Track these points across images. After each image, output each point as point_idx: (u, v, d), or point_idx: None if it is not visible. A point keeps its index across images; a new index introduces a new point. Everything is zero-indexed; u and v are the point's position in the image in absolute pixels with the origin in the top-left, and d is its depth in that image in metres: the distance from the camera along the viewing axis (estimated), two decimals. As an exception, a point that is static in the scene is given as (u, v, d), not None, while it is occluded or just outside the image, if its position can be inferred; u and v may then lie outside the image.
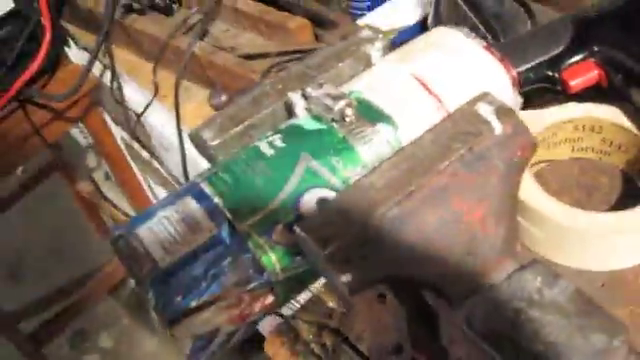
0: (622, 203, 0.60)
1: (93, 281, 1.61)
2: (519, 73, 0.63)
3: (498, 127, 0.40)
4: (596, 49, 0.61)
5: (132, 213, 1.53)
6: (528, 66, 0.63)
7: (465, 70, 0.44)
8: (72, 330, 1.74)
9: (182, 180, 1.05)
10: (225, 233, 0.38)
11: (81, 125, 1.42)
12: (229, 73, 0.94)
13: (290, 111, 0.44)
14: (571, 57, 0.62)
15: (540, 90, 0.64)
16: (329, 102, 0.41)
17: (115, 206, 1.59)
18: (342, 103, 0.41)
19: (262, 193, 0.39)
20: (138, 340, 1.71)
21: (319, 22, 0.97)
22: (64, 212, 1.78)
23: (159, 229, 0.38)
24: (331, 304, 0.57)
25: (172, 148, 1.11)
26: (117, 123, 1.33)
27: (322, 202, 0.39)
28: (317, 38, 0.96)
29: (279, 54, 0.95)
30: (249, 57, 0.96)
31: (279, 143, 0.41)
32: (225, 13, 1.04)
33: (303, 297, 0.65)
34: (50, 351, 1.60)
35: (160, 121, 1.10)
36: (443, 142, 0.40)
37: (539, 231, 0.56)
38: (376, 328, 0.56)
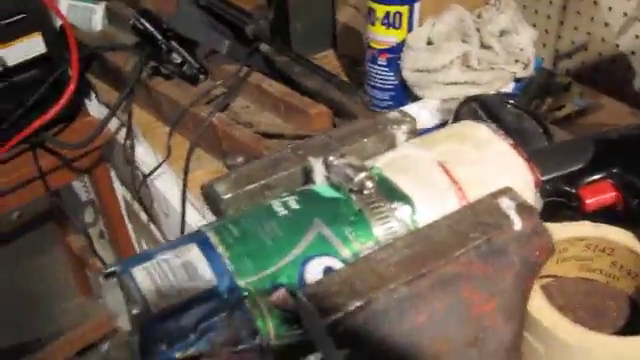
0: (629, 331, 0.58)
1: (62, 341, 1.55)
2: (536, 184, 0.62)
3: (518, 223, 0.40)
4: (615, 171, 0.61)
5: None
6: (546, 178, 0.62)
7: (489, 163, 0.44)
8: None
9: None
10: (224, 287, 0.36)
11: (85, 179, 1.41)
12: (244, 147, 0.94)
13: (308, 176, 0.43)
14: (589, 175, 0.62)
15: (556, 204, 0.63)
16: (350, 172, 0.40)
17: (104, 265, 1.55)
18: (363, 175, 0.40)
19: (269, 252, 0.38)
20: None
21: (339, 112, 0.98)
22: (50, 263, 1.74)
23: (156, 272, 0.36)
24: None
25: (173, 214, 1.09)
26: (122, 182, 1.33)
27: (329, 271, 0.38)
28: (335, 127, 0.97)
29: (295, 137, 0.95)
30: (266, 135, 0.97)
31: (294, 205, 0.40)
32: (248, 90, 1.06)
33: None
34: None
35: (166, 186, 1.09)
36: (461, 229, 0.39)
37: (541, 345, 0.53)
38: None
